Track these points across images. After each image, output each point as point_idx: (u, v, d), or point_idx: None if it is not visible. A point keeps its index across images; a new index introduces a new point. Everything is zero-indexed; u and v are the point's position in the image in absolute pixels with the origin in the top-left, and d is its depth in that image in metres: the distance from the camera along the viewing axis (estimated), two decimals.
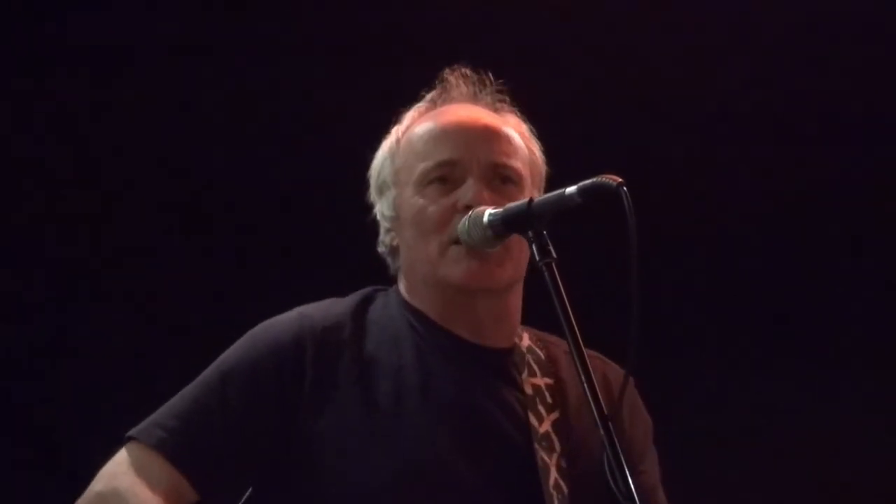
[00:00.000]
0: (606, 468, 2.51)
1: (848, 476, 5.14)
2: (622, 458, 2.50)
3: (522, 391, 2.83)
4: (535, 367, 2.88)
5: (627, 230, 2.49)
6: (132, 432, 2.73)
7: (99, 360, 4.89)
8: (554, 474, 2.76)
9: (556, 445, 2.79)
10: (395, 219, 2.91)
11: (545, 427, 2.80)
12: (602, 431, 2.52)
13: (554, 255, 2.61)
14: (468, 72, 2.99)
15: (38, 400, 4.94)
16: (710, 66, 5.14)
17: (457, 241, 2.79)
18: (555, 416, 2.83)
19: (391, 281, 2.97)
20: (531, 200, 2.66)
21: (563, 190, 2.62)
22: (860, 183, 5.29)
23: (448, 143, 2.88)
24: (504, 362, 2.86)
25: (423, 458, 2.68)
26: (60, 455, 4.81)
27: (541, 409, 2.82)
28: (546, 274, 2.60)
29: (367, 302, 2.89)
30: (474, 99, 2.96)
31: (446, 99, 2.97)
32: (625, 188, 2.52)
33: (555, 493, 2.73)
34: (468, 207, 2.79)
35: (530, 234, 2.64)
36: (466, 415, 2.75)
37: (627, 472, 2.50)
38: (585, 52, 5.06)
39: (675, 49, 5.12)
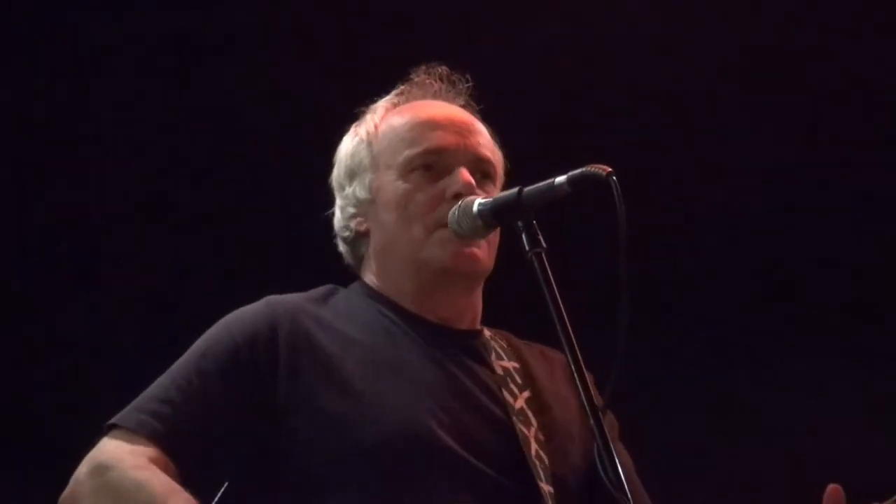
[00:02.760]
0: (596, 458, 2.52)
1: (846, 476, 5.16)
2: (612, 447, 2.50)
3: (493, 371, 2.87)
4: (500, 352, 2.94)
5: (616, 219, 2.50)
6: (114, 420, 2.72)
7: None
8: (534, 446, 2.78)
9: (532, 420, 2.82)
10: (370, 202, 2.93)
11: (520, 403, 2.84)
12: (592, 421, 2.53)
13: (544, 244, 2.63)
14: (442, 70, 3.03)
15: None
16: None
17: (442, 226, 2.82)
18: (527, 394, 2.87)
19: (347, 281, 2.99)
20: (521, 189, 2.67)
21: (552, 179, 2.63)
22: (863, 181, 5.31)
23: (436, 132, 2.92)
24: (474, 344, 2.91)
25: (406, 426, 2.68)
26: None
27: (513, 387, 2.86)
28: (536, 263, 2.61)
29: (330, 294, 2.92)
30: (445, 97, 3.01)
31: (416, 95, 3.02)
32: (614, 178, 2.53)
33: (538, 463, 2.76)
34: (457, 196, 2.82)
35: (520, 223, 2.65)
36: (445, 389, 2.77)
37: (618, 462, 2.50)
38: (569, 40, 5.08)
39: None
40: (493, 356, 2.91)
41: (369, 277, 2.96)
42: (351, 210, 2.96)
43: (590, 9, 5.03)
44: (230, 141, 5.03)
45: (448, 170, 2.88)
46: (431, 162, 2.89)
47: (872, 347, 5.30)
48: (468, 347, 2.89)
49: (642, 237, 2.90)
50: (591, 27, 5.05)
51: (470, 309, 2.94)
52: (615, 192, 2.51)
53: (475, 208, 2.75)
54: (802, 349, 5.31)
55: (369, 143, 2.96)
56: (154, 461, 2.64)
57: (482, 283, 2.95)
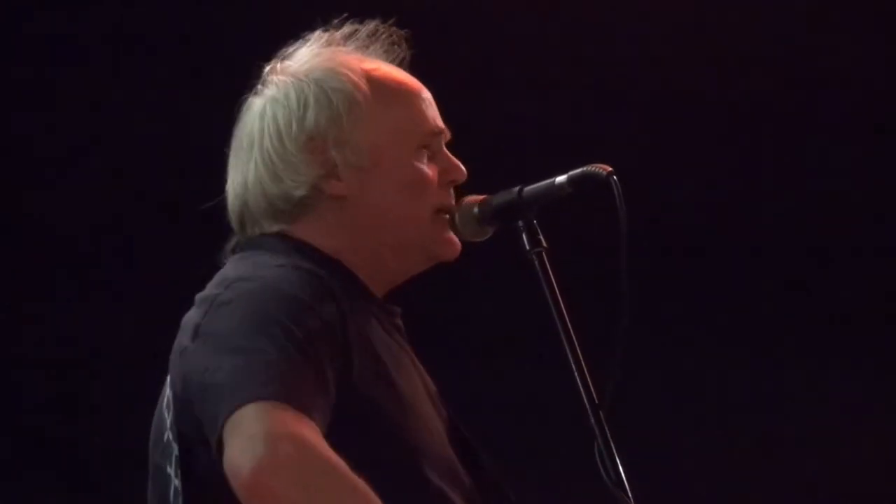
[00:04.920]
0: (597, 456, 2.52)
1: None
2: (612, 445, 2.51)
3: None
4: None
5: (618, 219, 2.51)
6: (273, 396, 2.28)
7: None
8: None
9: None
10: (367, 170, 2.66)
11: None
12: (593, 420, 2.53)
13: (544, 244, 2.62)
14: (390, 32, 2.76)
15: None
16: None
17: (440, 211, 2.70)
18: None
19: None
20: (521, 189, 2.66)
21: (552, 179, 2.63)
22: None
23: (434, 108, 2.75)
24: (399, 323, 2.73)
25: (423, 425, 2.54)
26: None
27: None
28: (536, 263, 2.61)
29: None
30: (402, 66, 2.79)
31: (381, 57, 2.75)
32: (614, 177, 2.53)
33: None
34: (452, 183, 2.72)
35: (520, 223, 2.64)
36: (413, 379, 2.62)
37: (618, 460, 2.51)
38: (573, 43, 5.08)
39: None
40: None
41: (312, 237, 2.65)
42: (320, 171, 2.64)
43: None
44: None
45: (439, 152, 2.72)
46: (432, 143, 2.72)
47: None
48: (398, 326, 2.72)
49: (643, 234, 2.90)
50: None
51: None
52: (616, 192, 2.51)
53: (476, 209, 2.71)
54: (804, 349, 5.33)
55: (367, 104, 2.67)
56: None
57: None
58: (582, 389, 2.56)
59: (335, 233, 2.66)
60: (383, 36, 2.74)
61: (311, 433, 2.25)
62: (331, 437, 2.29)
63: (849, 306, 5.36)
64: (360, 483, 2.26)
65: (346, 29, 2.73)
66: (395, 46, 2.74)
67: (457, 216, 2.73)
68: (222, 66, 2.98)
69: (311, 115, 2.66)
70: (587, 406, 2.55)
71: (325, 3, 2.82)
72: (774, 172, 5.32)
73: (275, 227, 2.66)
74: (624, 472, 2.52)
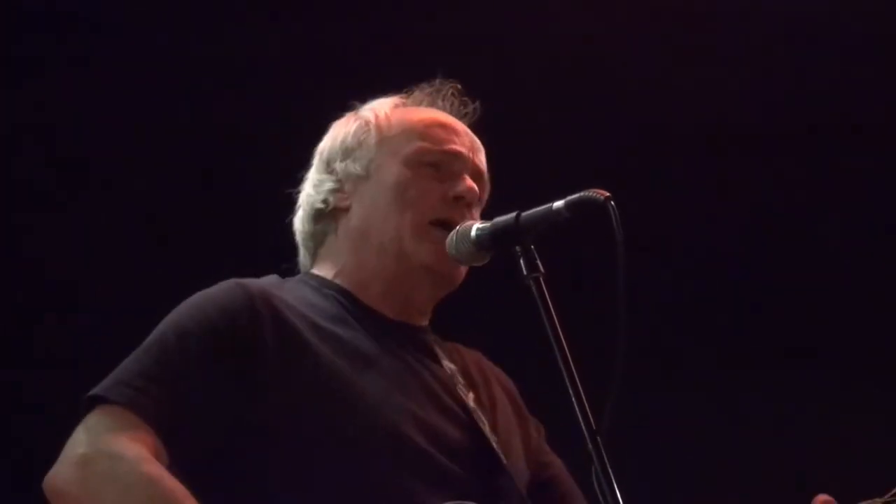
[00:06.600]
0: (594, 479, 2.52)
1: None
2: (609, 468, 2.50)
3: (444, 369, 2.90)
4: (444, 352, 2.97)
5: (615, 244, 2.50)
6: (98, 391, 2.63)
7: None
8: (493, 438, 2.83)
9: (482, 417, 2.86)
10: (363, 179, 2.95)
11: (470, 401, 2.87)
12: (590, 445, 2.53)
13: (542, 269, 2.64)
14: (456, 89, 3.08)
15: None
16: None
17: (434, 224, 2.87)
18: (472, 394, 2.90)
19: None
20: (519, 215, 2.68)
21: (550, 204, 2.64)
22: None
23: (454, 137, 2.98)
24: (427, 340, 2.95)
25: (382, 424, 2.69)
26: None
27: (461, 386, 2.90)
28: (534, 288, 2.62)
29: (282, 282, 2.91)
30: (456, 115, 3.05)
31: (425, 103, 3.06)
32: (612, 203, 2.54)
33: (501, 454, 2.80)
34: (457, 199, 2.89)
35: (518, 248, 2.66)
36: (412, 385, 2.80)
37: (615, 483, 2.50)
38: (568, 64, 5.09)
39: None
40: (440, 352, 2.94)
41: (323, 268, 2.96)
42: (332, 185, 2.97)
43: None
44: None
45: (454, 175, 2.93)
46: (442, 162, 2.94)
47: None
48: (423, 344, 2.93)
49: (641, 256, 2.90)
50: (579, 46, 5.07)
51: (426, 313, 2.99)
52: (613, 217, 2.52)
53: (473, 233, 2.76)
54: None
55: (377, 127, 2.99)
56: (152, 449, 2.57)
57: (447, 294, 2.98)
58: (579, 415, 2.56)
59: (343, 250, 2.94)
60: (443, 91, 3.06)
61: (131, 444, 2.53)
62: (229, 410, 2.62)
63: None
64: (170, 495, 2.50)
65: (427, 88, 3.08)
66: (451, 97, 3.06)
67: (454, 238, 2.79)
68: None
69: (332, 143, 3.02)
70: (584, 431, 2.54)
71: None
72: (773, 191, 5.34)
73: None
74: (621, 497, 2.51)
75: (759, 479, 5.28)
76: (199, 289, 2.80)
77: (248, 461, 2.66)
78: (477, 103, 3.07)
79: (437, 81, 3.08)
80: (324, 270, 2.96)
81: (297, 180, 3.08)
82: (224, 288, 2.77)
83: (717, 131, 5.22)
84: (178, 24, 4.87)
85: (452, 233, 2.80)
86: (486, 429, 2.84)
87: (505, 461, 2.81)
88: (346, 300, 2.89)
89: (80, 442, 2.59)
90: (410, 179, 2.91)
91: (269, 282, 2.87)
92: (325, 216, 2.97)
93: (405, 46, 4.88)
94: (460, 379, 2.92)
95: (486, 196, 3.02)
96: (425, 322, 2.99)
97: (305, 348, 2.72)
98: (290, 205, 3.09)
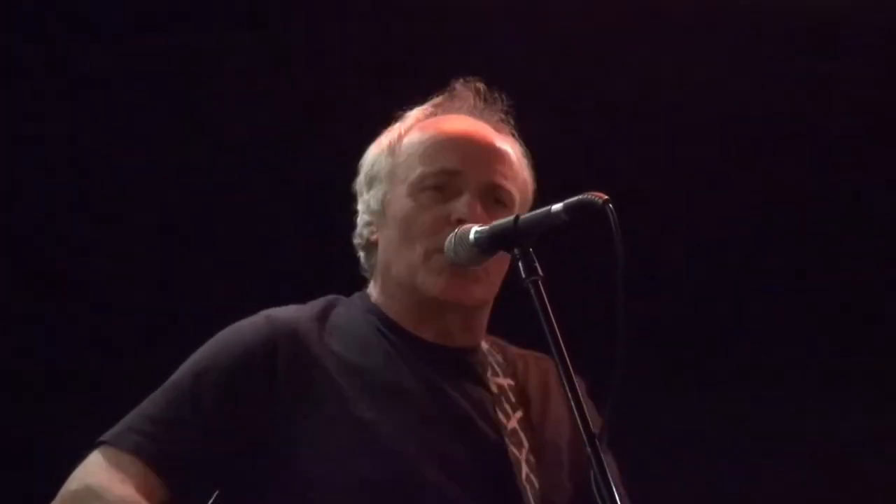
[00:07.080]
0: (593, 485, 2.49)
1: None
2: (608, 473, 2.49)
3: (489, 389, 2.87)
4: (496, 367, 2.93)
5: (614, 248, 2.49)
6: (105, 437, 2.72)
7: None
8: (525, 469, 2.79)
9: (523, 441, 2.82)
10: (381, 214, 2.93)
11: (512, 424, 2.84)
12: (589, 449, 2.51)
13: (540, 272, 2.62)
14: (479, 85, 3.02)
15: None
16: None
17: (442, 251, 2.81)
18: (519, 414, 2.87)
19: (355, 286, 3.00)
20: (517, 217, 2.66)
21: (548, 207, 2.62)
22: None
23: (452, 153, 2.91)
24: (470, 361, 2.90)
25: (400, 459, 2.69)
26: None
27: (507, 406, 2.86)
28: (532, 291, 2.60)
29: (329, 307, 2.91)
30: (480, 113, 2.99)
31: (450, 108, 3.00)
32: (610, 206, 2.52)
33: (527, 486, 2.77)
34: (460, 221, 2.81)
35: (516, 251, 2.64)
36: (439, 415, 2.78)
37: (615, 489, 2.48)
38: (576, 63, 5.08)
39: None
40: (490, 373, 2.90)
41: (373, 289, 2.96)
42: (366, 218, 2.97)
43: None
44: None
45: (458, 192, 2.87)
46: (443, 183, 2.88)
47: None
48: (464, 365, 2.89)
49: (640, 262, 2.89)
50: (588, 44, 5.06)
51: (469, 330, 2.93)
52: (612, 220, 2.50)
53: (471, 236, 2.74)
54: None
55: (391, 153, 2.95)
56: (143, 489, 2.63)
57: (484, 308, 2.94)
58: (578, 417, 2.54)
59: (378, 281, 2.94)
60: (462, 92, 3.00)
61: (121, 485, 2.62)
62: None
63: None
64: None
65: (460, 86, 3.02)
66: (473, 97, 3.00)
67: (452, 240, 2.77)
68: None
69: (364, 168, 2.99)
70: (583, 436, 2.52)
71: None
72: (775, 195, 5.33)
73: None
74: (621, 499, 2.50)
75: (759, 480, 5.29)
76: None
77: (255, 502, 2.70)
78: (501, 96, 3.02)
79: (461, 81, 3.02)
80: (373, 292, 2.96)
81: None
82: (250, 322, 2.82)
83: (716, 131, 5.21)
84: (197, 25, 4.87)
85: (451, 235, 2.78)
86: (523, 452, 2.81)
87: (530, 489, 2.77)
88: (385, 325, 2.88)
89: (74, 478, 2.68)
90: (414, 211, 2.87)
91: (308, 311, 2.87)
92: (365, 247, 2.98)
93: (409, 48, 4.88)
94: (511, 397, 2.88)
95: (518, 195, 2.93)
96: (471, 341, 2.93)
97: (325, 385, 2.73)
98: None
